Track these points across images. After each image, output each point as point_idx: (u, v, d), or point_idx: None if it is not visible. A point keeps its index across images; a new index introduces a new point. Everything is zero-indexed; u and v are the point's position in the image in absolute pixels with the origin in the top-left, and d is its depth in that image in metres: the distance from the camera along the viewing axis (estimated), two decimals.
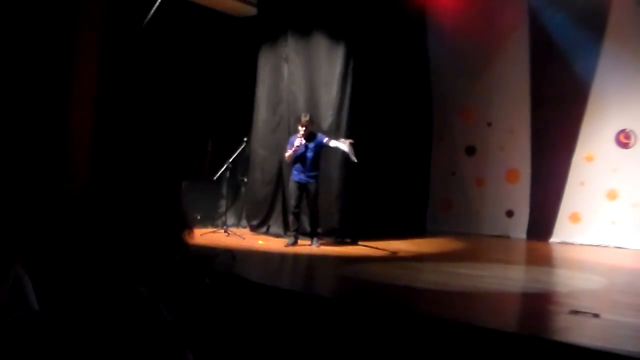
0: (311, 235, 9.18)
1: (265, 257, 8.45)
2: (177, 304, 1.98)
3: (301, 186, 9.04)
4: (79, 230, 1.83)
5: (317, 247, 9.01)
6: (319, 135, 9.11)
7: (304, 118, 9.06)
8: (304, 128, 8.93)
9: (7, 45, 7.93)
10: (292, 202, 9.22)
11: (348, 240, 9.59)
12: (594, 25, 10.61)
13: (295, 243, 9.02)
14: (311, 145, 8.98)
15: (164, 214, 1.84)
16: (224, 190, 10.50)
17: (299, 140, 8.93)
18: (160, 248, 1.83)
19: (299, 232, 9.19)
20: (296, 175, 9.08)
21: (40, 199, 7.44)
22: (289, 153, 9.04)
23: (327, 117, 9.86)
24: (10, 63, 7.96)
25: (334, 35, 9.95)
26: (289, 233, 9.33)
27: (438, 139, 12.30)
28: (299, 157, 8.99)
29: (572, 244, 10.75)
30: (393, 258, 8.64)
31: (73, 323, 1.71)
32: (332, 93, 9.86)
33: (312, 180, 9.03)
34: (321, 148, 9.05)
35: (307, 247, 8.97)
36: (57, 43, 8.38)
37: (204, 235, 9.09)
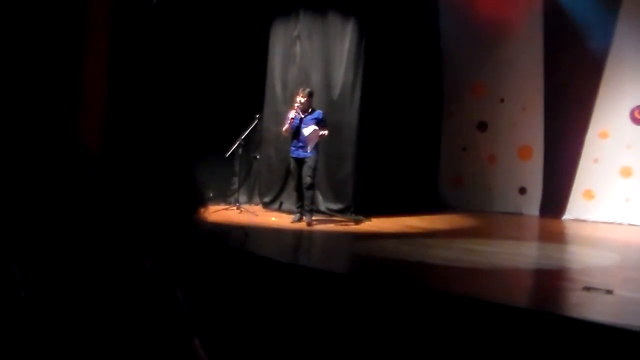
0: (298, 208, 9.04)
1: (278, 233, 8.49)
2: (188, 282, 1.99)
3: (298, 161, 8.89)
4: (90, 205, 1.81)
5: (306, 223, 8.80)
6: (318, 111, 8.96)
7: (303, 91, 8.89)
8: (300, 100, 8.77)
9: (13, 29, 7.93)
10: (292, 178, 9.18)
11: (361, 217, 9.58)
12: (609, 0, 10.48)
13: (300, 219, 9.01)
14: (308, 119, 8.80)
15: (177, 190, 1.84)
16: (237, 167, 10.51)
17: (293, 113, 8.77)
18: (173, 225, 1.83)
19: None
20: (294, 152, 8.96)
21: (48, 181, 7.46)
22: (285, 127, 8.92)
23: (339, 95, 9.84)
24: (16, 48, 7.96)
25: (345, 13, 9.90)
26: (295, 210, 9.32)
27: (449, 115, 12.22)
28: (296, 132, 8.84)
29: (585, 221, 10.69)
30: (405, 234, 8.65)
31: (79, 299, 1.72)
32: (344, 70, 9.83)
33: (309, 155, 8.82)
34: (318, 123, 8.83)
35: (319, 223, 9.00)
36: (67, 18, 8.37)
37: (216, 213, 9.12)
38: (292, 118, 8.76)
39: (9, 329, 1.68)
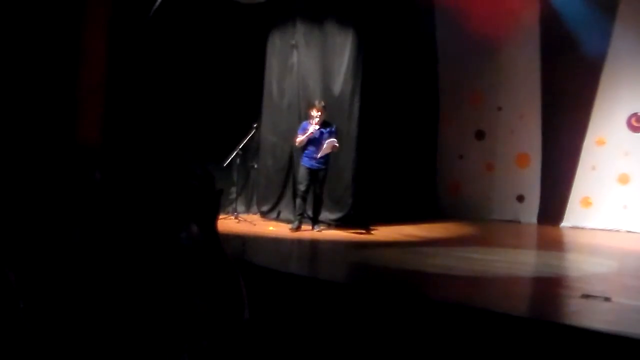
0: (313, 220, 9.25)
1: (276, 243, 8.48)
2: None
3: (312, 172, 9.11)
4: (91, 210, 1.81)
5: (319, 231, 9.08)
6: (334, 125, 9.20)
7: (319, 104, 9.13)
8: (319, 113, 9.01)
9: (18, 24, 7.95)
10: (301, 187, 9.27)
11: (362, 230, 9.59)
12: (605, 8, 10.51)
13: (299, 227, 9.11)
14: (325, 131, 9.05)
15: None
16: (234, 177, 10.51)
17: (313, 127, 9.00)
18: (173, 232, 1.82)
19: (304, 217, 9.29)
20: (307, 162, 9.15)
21: (47, 183, 7.46)
22: (300, 138, 9.12)
23: (338, 104, 9.86)
24: (15, 49, 7.99)
25: (343, 22, 9.92)
26: (294, 217, 9.43)
27: (448, 124, 12.24)
28: (312, 142, 9.06)
29: (583, 228, 10.71)
30: (403, 243, 8.65)
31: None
32: (342, 80, 9.85)
33: (323, 167, 9.11)
34: (332, 136, 9.12)
35: (316, 232, 9.02)
36: (65, 26, 8.40)
37: None
38: (312, 132, 9.00)
39: (5, 340, 1.68)
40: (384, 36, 10.42)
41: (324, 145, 8.95)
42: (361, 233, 9.26)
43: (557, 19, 10.84)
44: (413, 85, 11.29)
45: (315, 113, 9.03)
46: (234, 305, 1.88)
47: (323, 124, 9.07)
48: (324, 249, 8.42)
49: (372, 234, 9.25)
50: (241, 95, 10.88)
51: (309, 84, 10.13)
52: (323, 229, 9.20)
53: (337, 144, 9.06)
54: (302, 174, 9.27)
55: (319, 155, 8.98)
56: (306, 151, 9.14)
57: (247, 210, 10.86)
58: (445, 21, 11.76)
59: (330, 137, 9.05)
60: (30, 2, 8.08)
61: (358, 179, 9.84)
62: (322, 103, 9.18)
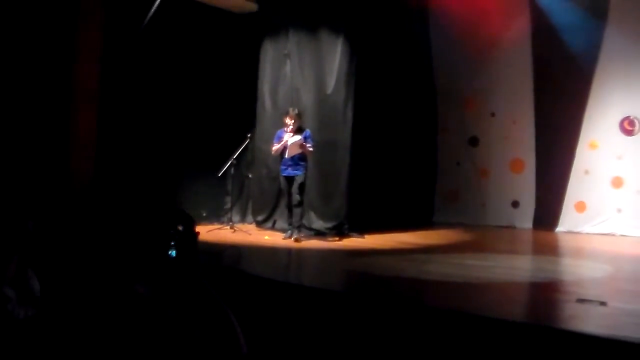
0: (290, 225, 9.20)
1: (272, 252, 8.48)
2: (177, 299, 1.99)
3: (288, 179, 9.14)
4: (81, 226, 1.84)
5: (293, 239, 8.91)
6: (307, 130, 9.17)
7: (293, 112, 9.14)
8: (292, 121, 9.01)
9: (9, 44, 7.95)
10: (284, 196, 9.30)
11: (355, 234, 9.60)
12: (596, 12, 10.58)
13: (290, 236, 9.11)
14: (299, 137, 8.97)
15: (162, 210, 1.86)
16: (229, 187, 10.52)
17: (288, 135, 9.00)
18: (156, 243, 1.84)
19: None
20: (284, 170, 9.18)
21: (43, 197, 7.47)
22: (276, 147, 9.13)
23: (331, 113, 9.88)
24: (12, 62, 7.99)
25: (336, 30, 9.96)
26: (287, 227, 9.44)
27: (442, 131, 12.29)
28: (285, 151, 9.04)
29: (578, 232, 10.74)
30: (399, 251, 8.66)
31: (74, 322, 1.73)
32: (336, 88, 9.87)
33: (299, 173, 9.05)
34: (304, 140, 9.03)
35: (313, 241, 9.02)
36: (58, 41, 8.41)
37: (210, 232, 9.11)
38: (286, 140, 8.96)
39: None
40: (377, 43, 10.46)
41: (288, 144, 8.90)
42: (357, 241, 9.27)
43: (549, 26, 10.91)
44: (408, 92, 11.33)
45: (289, 121, 9.03)
46: (229, 345, 1.89)
47: (298, 130, 9.04)
48: (319, 257, 8.41)
49: (367, 241, 9.25)
50: (235, 105, 10.91)
51: (301, 92, 10.15)
52: (303, 237, 9.07)
53: (306, 144, 8.96)
54: (281, 183, 9.34)
55: (287, 155, 8.96)
56: (283, 159, 9.15)
57: (242, 220, 10.87)
58: (439, 28, 11.84)
59: (304, 141, 8.98)
60: (25, 9, 8.09)
61: (353, 187, 9.86)
62: (296, 110, 9.20)
